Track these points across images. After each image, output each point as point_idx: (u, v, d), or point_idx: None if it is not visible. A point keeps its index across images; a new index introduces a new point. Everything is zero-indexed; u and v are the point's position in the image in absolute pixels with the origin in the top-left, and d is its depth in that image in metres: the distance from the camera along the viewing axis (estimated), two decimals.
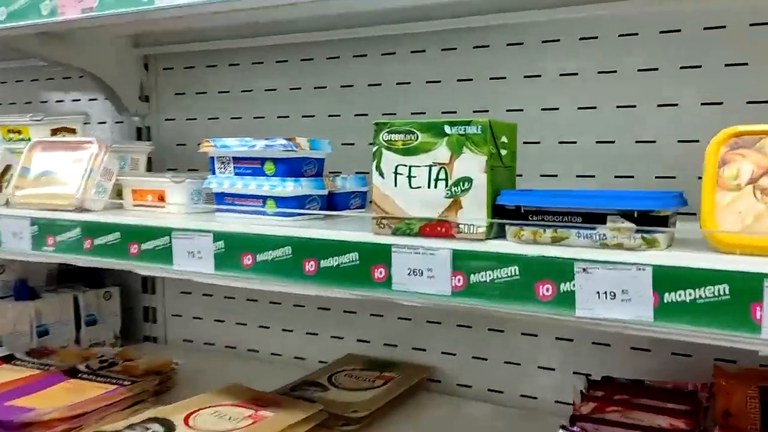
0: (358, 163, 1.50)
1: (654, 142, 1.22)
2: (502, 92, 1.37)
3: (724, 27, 1.16)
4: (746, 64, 1.14)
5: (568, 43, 1.30)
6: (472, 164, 0.86)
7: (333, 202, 1.20)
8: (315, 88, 1.60)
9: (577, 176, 1.29)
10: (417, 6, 1.33)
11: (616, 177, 1.26)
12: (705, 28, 1.17)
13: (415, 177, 0.90)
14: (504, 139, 0.89)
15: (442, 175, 0.88)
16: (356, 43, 1.53)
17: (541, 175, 1.32)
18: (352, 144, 1.54)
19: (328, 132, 1.55)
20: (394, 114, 1.49)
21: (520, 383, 1.41)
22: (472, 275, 0.85)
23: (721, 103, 1.17)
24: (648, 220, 0.75)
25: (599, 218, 0.78)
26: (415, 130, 0.90)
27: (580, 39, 1.28)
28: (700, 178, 0.96)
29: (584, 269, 0.78)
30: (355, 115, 1.55)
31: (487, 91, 1.39)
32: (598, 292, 0.77)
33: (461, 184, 0.87)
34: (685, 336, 0.74)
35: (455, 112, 1.42)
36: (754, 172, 0.73)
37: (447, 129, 0.88)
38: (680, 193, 0.81)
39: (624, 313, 0.76)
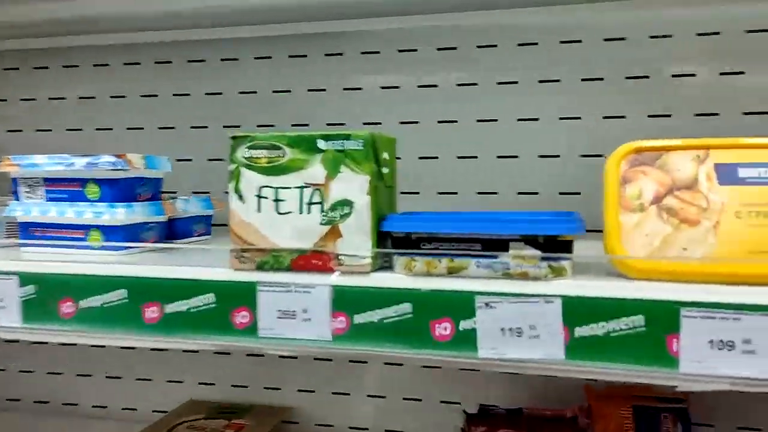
0: (194, 182, 1.33)
1: (557, 156, 1.18)
2: (360, 102, 1.27)
3: (623, 39, 1.14)
4: (647, 77, 1.14)
5: (430, 53, 1.23)
6: (352, 185, 0.74)
7: (174, 230, 1.01)
8: (142, 96, 1.39)
9: (478, 193, 1.22)
10: (264, 6, 1.18)
11: (519, 193, 1.20)
12: (605, 39, 1.15)
13: (283, 201, 0.76)
14: (385, 155, 0.78)
15: (316, 198, 0.75)
16: (193, 46, 1.35)
17: (439, 193, 1.24)
18: (189, 160, 1.35)
19: (157, 146, 1.35)
20: (238, 126, 1.33)
21: (387, 418, 1.30)
22: (356, 315, 0.72)
23: (624, 117, 1.15)
24: (554, 246, 0.68)
25: (501, 245, 0.69)
26: (282, 145, 0.76)
27: (478, 47, 1.21)
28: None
29: (487, 303, 0.68)
30: (191, 127, 1.36)
31: (343, 101, 1.28)
32: (502, 329, 0.68)
33: (340, 208, 0.74)
34: (599, 374, 0.67)
35: (307, 125, 1.29)
36: (657, 191, 0.68)
37: (321, 144, 0.74)
38: (577, 216, 0.74)
39: (533, 351, 0.67)
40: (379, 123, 1.25)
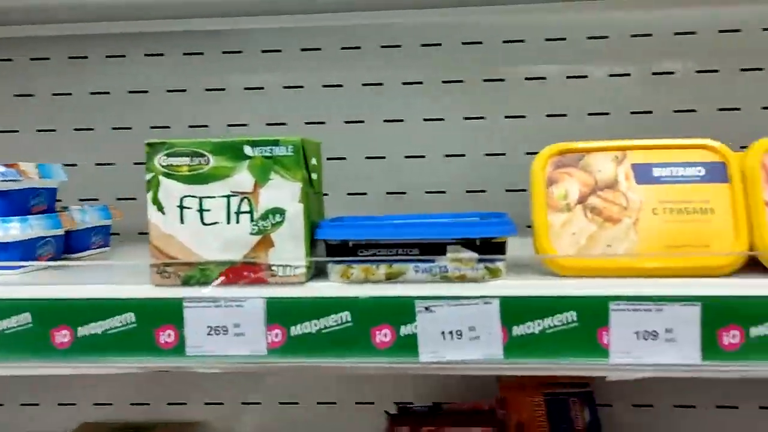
0: (82, 190, 1.23)
1: (463, 156, 1.20)
2: (263, 103, 1.23)
3: (522, 41, 1.18)
4: (544, 78, 1.18)
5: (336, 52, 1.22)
6: (283, 192, 0.71)
7: (70, 243, 0.94)
8: (16, 95, 1.27)
9: (387, 193, 1.22)
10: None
11: (426, 192, 1.21)
12: (504, 41, 1.18)
13: (208, 211, 0.72)
14: (314, 160, 0.76)
15: (245, 207, 0.71)
16: (74, 41, 1.25)
17: (348, 194, 1.22)
18: (74, 165, 1.25)
19: (32, 151, 1.25)
20: (129, 128, 1.25)
21: (302, 425, 1.28)
22: (293, 327, 0.70)
23: (524, 116, 1.19)
24: (489, 248, 0.69)
25: (438, 249, 0.70)
26: (205, 152, 0.72)
27: (382, 47, 1.21)
28: (507, 190, 0.93)
29: (427, 308, 0.69)
30: (75, 129, 1.26)
31: (244, 101, 1.23)
32: (443, 332, 0.69)
33: (271, 216, 0.71)
34: (537, 371, 0.69)
35: (206, 126, 1.24)
36: (581, 191, 0.72)
37: (248, 150, 0.71)
38: (509, 219, 0.76)
39: (473, 353, 0.69)
40: (284, 124, 1.22)
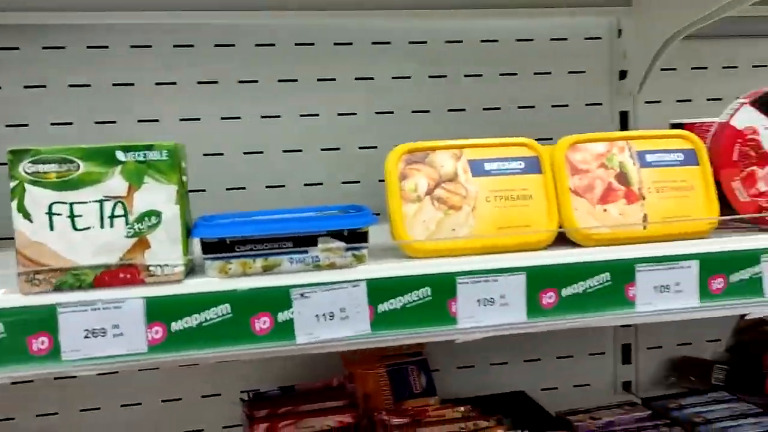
0: None
1: (338, 149, 1.27)
2: (134, 99, 1.20)
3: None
4: (409, 77, 1.28)
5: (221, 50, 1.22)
6: (159, 195, 0.74)
7: None
8: None
9: (267, 187, 1.25)
10: None
11: (305, 185, 1.27)
12: (373, 43, 1.27)
13: (80, 216, 0.72)
14: (183, 163, 0.80)
15: (119, 211, 0.73)
16: None
17: (227, 189, 1.24)
18: None
19: None
20: None
21: (145, 426, 1.28)
22: (173, 323, 0.74)
23: (392, 113, 1.28)
24: (355, 237, 0.78)
25: (310, 241, 0.77)
26: (74, 159, 0.72)
27: (257, 45, 1.24)
28: (381, 181, 1.02)
29: (302, 294, 0.76)
30: None
31: (113, 98, 1.20)
32: (317, 315, 0.77)
33: (146, 219, 0.74)
34: (400, 340, 0.80)
35: (71, 123, 1.18)
36: (429, 185, 0.83)
37: (121, 155, 0.73)
38: (369, 211, 0.85)
39: (344, 331, 0.77)
40: (156, 120, 1.21)
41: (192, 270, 0.80)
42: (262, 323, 0.76)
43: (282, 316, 0.76)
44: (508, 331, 0.82)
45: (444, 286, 0.79)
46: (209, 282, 0.76)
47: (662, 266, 0.82)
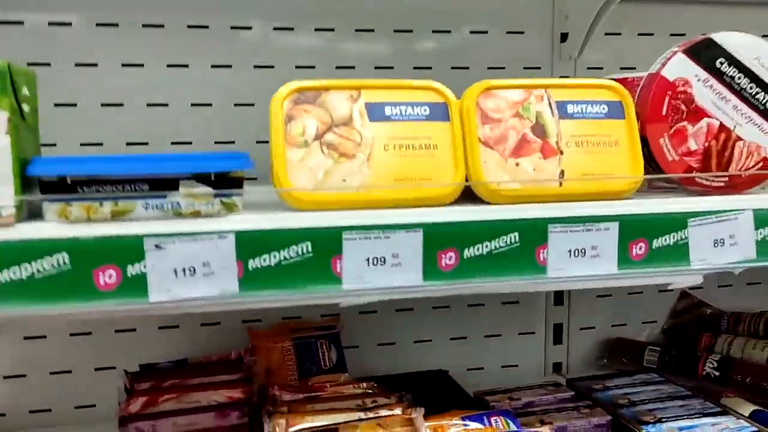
0: None
1: (210, 105, 1.14)
2: None
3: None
4: (292, 28, 1.16)
5: None
6: None
7: None
8: None
9: (128, 144, 1.12)
10: None
11: (172, 143, 1.13)
12: None
13: None
14: (26, 91, 0.68)
15: None
16: None
17: (82, 144, 1.09)
18: None
19: None
20: None
21: (30, 399, 1.16)
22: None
23: (272, 67, 1.16)
24: (225, 183, 0.68)
25: (170, 184, 0.66)
26: None
27: None
28: (258, 142, 0.93)
29: (157, 246, 0.65)
30: None
31: None
32: (175, 270, 0.66)
33: None
34: (273, 302, 0.69)
35: None
36: (318, 128, 0.73)
37: None
38: (246, 154, 0.75)
39: (208, 289, 0.67)
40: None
41: (36, 215, 0.69)
42: (107, 277, 0.65)
43: (132, 270, 0.65)
44: (402, 295, 0.72)
45: (327, 241, 0.69)
46: (45, 228, 0.64)
47: (578, 228, 0.73)
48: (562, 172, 0.75)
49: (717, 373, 1.14)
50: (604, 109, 0.78)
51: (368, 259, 0.70)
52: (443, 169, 0.74)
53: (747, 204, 0.76)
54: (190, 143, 1.15)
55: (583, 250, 0.74)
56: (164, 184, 0.66)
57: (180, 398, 0.94)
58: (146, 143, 1.14)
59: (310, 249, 0.69)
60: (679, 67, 0.78)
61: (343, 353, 1.14)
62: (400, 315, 1.28)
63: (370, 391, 0.92)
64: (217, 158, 0.67)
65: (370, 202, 0.72)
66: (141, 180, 0.66)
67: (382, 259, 0.70)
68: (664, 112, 0.78)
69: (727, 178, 0.79)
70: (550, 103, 0.77)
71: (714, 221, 0.75)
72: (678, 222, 0.75)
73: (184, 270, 0.66)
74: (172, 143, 1.15)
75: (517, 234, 0.72)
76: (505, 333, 1.33)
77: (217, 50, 1.15)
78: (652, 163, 0.79)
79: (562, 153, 0.76)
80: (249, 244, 0.67)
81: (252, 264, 0.68)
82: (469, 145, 0.75)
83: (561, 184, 0.75)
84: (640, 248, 0.75)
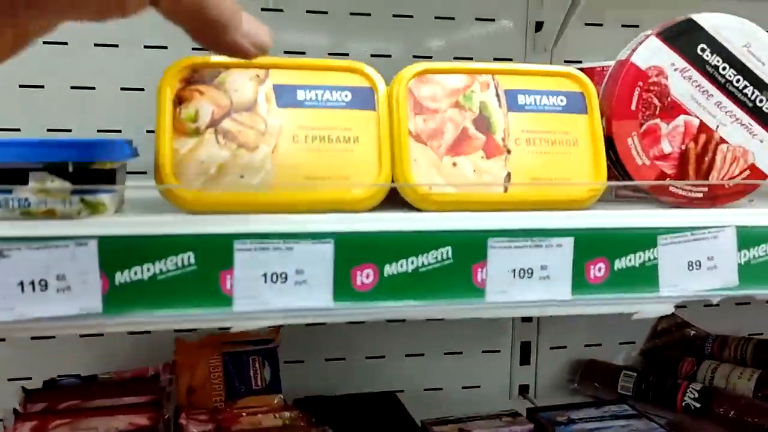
0: None
1: (93, 88, 1.01)
2: None
3: None
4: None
5: None
6: None
7: None
8: None
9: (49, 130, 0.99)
10: None
11: (48, 130, 1.00)
12: None
13: None
14: None
15: None
16: None
17: None
18: None
19: None
20: None
21: None
22: None
23: (165, 47, 1.03)
24: (88, 176, 0.55)
25: (18, 176, 0.54)
26: None
27: None
28: (149, 131, 0.81)
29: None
30: None
31: None
32: (21, 283, 0.54)
33: None
34: (141, 324, 0.57)
35: None
36: (214, 113, 0.60)
37: None
38: (128, 141, 0.63)
39: (63, 307, 0.54)
40: None
41: None
42: None
43: None
44: (307, 319, 0.60)
45: (214, 251, 0.56)
46: None
47: (524, 243, 0.61)
48: (509, 175, 0.63)
49: (697, 405, 1.02)
50: (562, 101, 0.66)
51: (265, 275, 0.57)
52: (364, 166, 0.62)
53: (729, 219, 0.64)
54: (70, 131, 1.02)
55: (530, 270, 0.61)
56: (11, 176, 0.54)
57: (74, 424, 0.81)
58: (18, 129, 1.01)
59: (193, 260, 0.56)
60: (653, 54, 0.65)
61: (279, 371, 1.01)
62: (351, 327, 1.16)
63: (291, 422, 0.79)
64: (78, 145, 0.55)
65: (273, 205, 0.60)
66: None
67: (283, 276, 0.58)
68: (633, 107, 0.65)
69: (706, 188, 0.67)
70: (497, 92, 0.65)
71: (689, 239, 0.63)
72: (646, 239, 0.63)
73: (33, 283, 0.54)
74: (48, 130, 1.02)
75: (450, 248, 0.60)
76: (467, 350, 1.21)
77: (102, 28, 1.01)
78: (618, 167, 0.67)
79: (509, 152, 0.63)
80: (116, 253, 0.55)
81: (120, 278, 0.55)
82: (397, 138, 0.62)
83: (506, 189, 0.63)
84: (600, 270, 0.62)
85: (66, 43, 1.00)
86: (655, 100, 0.65)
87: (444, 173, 0.62)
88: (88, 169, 0.55)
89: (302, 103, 0.62)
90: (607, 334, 1.25)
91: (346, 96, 0.63)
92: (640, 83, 0.65)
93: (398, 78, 0.64)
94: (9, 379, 1.06)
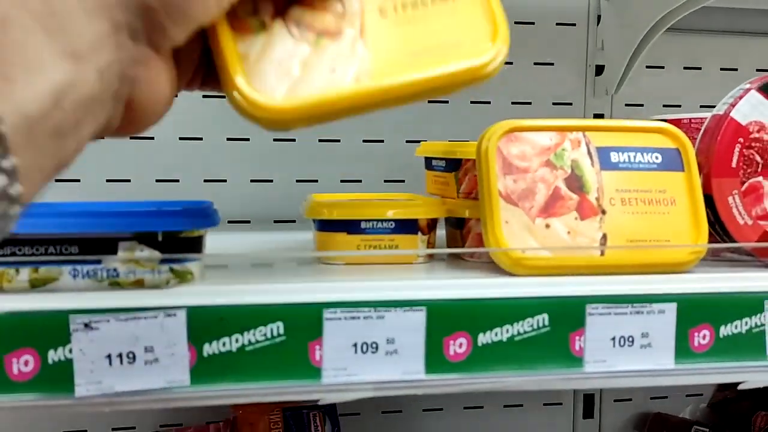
0: None
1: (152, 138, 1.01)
2: None
3: None
4: None
5: None
6: None
7: None
8: None
9: (108, 180, 0.99)
10: None
11: (107, 181, 1.00)
12: None
13: None
14: None
15: None
16: None
17: (58, 181, 0.96)
18: None
19: None
20: None
21: None
22: None
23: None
24: (177, 244, 0.54)
25: (107, 246, 0.52)
26: None
27: None
28: (206, 181, 0.80)
29: (86, 324, 0.51)
30: None
31: None
32: (109, 356, 0.52)
33: None
34: (234, 397, 0.55)
35: None
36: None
37: None
38: (208, 204, 0.61)
39: (151, 380, 0.52)
40: None
41: None
42: (22, 364, 0.51)
43: (54, 356, 0.51)
44: (398, 391, 0.57)
45: (303, 321, 0.54)
46: None
47: (624, 309, 0.58)
48: (605, 236, 0.60)
49: None
50: (657, 158, 0.63)
51: (355, 345, 0.55)
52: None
53: None
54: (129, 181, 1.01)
55: (630, 338, 0.58)
56: (99, 246, 0.52)
57: None
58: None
59: (282, 331, 0.54)
60: (754, 108, 0.62)
61: (339, 428, 0.99)
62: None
63: None
64: (168, 214, 0.53)
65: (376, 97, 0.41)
66: (69, 240, 0.52)
67: (374, 345, 0.55)
68: (734, 164, 0.62)
69: None
70: (589, 150, 0.62)
71: None
72: (753, 304, 0.59)
73: (120, 356, 0.52)
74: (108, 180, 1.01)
75: (546, 316, 0.57)
76: (528, 403, 1.17)
77: None
78: (717, 226, 0.63)
79: (604, 212, 0.61)
80: (205, 323, 0.53)
81: (208, 349, 0.53)
82: (486, 199, 0.60)
83: (603, 252, 0.60)
84: (704, 337, 0.59)
85: None
86: (757, 157, 0.62)
87: (537, 236, 0.59)
88: (176, 237, 0.54)
89: None
90: (674, 387, 1.20)
91: None
92: (741, 139, 0.62)
93: (486, 136, 0.62)
94: None
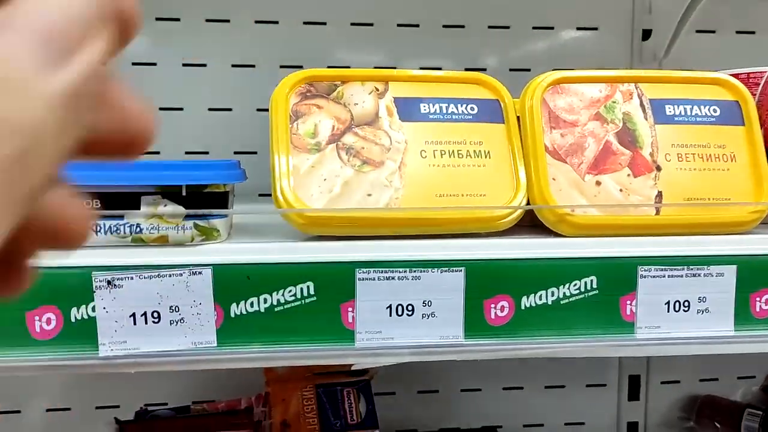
0: None
1: (181, 109, 0.99)
2: None
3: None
4: (277, 22, 1.00)
5: None
6: None
7: None
8: None
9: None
10: None
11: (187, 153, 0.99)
12: None
13: None
14: None
15: None
16: None
17: None
18: None
19: None
20: None
21: None
22: None
23: (253, 66, 1.00)
24: (201, 200, 0.51)
25: (129, 201, 0.50)
26: None
27: None
28: (237, 152, 0.78)
29: (110, 281, 0.49)
30: None
31: None
32: (133, 315, 0.50)
33: None
34: (260, 360, 0.52)
35: None
36: (335, 128, 0.55)
37: None
38: (235, 162, 0.58)
39: (177, 341, 0.50)
40: None
41: None
42: (44, 323, 0.49)
43: (77, 314, 0.49)
44: (436, 356, 0.54)
45: (335, 281, 0.51)
46: None
47: (680, 272, 0.54)
48: (660, 194, 0.56)
49: None
50: (715, 111, 0.58)
51: (390, 307, 0.52)
52: (497, 184, 0.56)
53: None
54: (158, 153, 0.98)
55: (686, 303, 0.54)
56: (121, 201, 0.50)
57: None
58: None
59: (312, 291, 0.51)
60: None
61: (374, 405, 0.96)
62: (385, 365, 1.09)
63: None
64: (192, 167, 0.51)
65: (401, 224, 0.54)
66: (90, 194, 0.50)
67: (409, 308, 0.52)
68: None
69: None
70: (642, 102, 0.58)
71: None
72: None
73: (144, 315, 0.50)
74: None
75: (594, 278, 0.53)
76: (571, 384, 1.12)
77: (191, 46, 0.99)
78: None
79: (659, 169, 0.56)
80: (232, 282, 0.50)
81: (235, 309, 0.51)
82: (532, 155, 0.56)
83: (658, 211, 0.55)
84: (766, 302, 0.54)
85: (155, 64, 0.98)
86: None
87: (586, 193, 0.55)
88: (201, 192, 0.51)
89: (426, 117, 0.57)
90: (724, 368, 1.14)
91: (472, 109, 0.57)
92: None
93: (530, 88, 0.58)
94: (97, 407, 1.04)
